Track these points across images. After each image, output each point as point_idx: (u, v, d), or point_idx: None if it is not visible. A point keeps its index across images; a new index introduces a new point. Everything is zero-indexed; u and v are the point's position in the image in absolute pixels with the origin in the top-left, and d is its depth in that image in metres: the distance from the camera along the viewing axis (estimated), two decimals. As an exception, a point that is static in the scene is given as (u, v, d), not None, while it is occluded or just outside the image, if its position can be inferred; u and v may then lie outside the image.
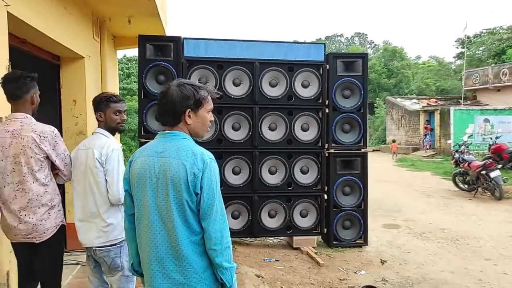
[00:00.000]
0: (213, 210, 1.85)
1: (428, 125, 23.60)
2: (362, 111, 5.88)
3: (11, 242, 2.82)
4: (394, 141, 23.56)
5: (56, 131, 2.83)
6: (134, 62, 26.56)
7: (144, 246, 1.93)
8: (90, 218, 2.80)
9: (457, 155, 11.02)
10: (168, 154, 1.88)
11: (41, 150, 2.69)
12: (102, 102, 2.93)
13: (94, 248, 2.81)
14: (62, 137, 2.92)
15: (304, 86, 5.72)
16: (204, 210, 1.84)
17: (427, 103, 26.58)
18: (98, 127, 2.93)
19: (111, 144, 2.83)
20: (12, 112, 2.75)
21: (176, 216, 1.84)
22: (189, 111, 1.94)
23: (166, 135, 1.95)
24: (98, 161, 2.76)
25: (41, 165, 2.72)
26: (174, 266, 1.87)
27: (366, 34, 64.53)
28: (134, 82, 24.08)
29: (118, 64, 25.89)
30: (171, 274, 1.87)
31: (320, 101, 5.75)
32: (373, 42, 59.74)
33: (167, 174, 1.85)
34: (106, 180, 2.76)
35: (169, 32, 6.46)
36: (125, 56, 29.09)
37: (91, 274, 2.99)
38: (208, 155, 1.90)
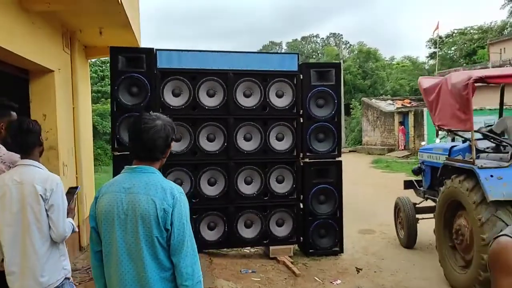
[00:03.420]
0: (184, 245, 1.83)
1: (401, 127, 24.03)
2: (336, 119, 5.93)
3: None
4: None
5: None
6: (108, 64, 26.15)
7: (113, 284, 1.90)
8: (26, 265, 2.47)
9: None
10: (136, 190, 1.85)
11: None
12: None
13: None
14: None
15: (278, 96, 5.74)
16: (175, 246, 1.82)
17: (402, 104, 27.03)
18: (30, 158, 2.58)
19: (54, 177, 2.57)
20: None
21: (146, 253, 1.81)
22: (171, 144, 1.99)
23: (134, 170, 1.92)
24: (42, 197, 2.46)
25: None
26: None
27: (341, 35, 65.15)
28: (109, 84, 23.72)
29: (92, 67, 25.34)
30: None
31: (295, 110, 5.78)
32: (348, 43, 60.32)
33: (136, 210, 1.82)
34: (48, 216, 2.50)
35: (150, 45, 6.37)
36: (99, 58, 28.60)
37: None
38: (178, 189, 1.88)
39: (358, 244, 6.60)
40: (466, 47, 36.12)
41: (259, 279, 5.06)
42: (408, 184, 6.96)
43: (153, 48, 5.33)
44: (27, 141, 2.56)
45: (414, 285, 4.97)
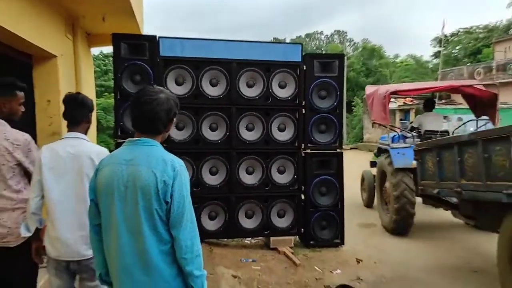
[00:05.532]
0: (184, 218, 1.83)
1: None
2: (338, 111, 5.91)
3: None
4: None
5: (29, 138, 2.84)
6: (111, 58, 26.08)
7: (112, 257, 1.90)
8: (80, 233, 2.56)
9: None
10: (137, 162, 1.84)
11: (13, 158, 2.72)
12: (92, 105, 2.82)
13: (81, 259, 2.59)
14: (36, 138, 2.90)
15: (281, 86, 5.73)
16: (174, 218, 1.82)
17: (403, 102, 26.92)
18: (77, 131, 2.66)
19: (105, 151, 2.69)
20: None
21: (145, 226, 1.81)
22: (174, 119, 1.99)
23: (135, 142, 1.91)
24: None
25: (13, 172, 2.74)
26: (143, 276, 1.84)
27: (345, 32, 65.02)
28: (112, 79, 23.68)
29: (95, 61, 25.24)
30: (140, 283, 1.84)
31: (297, 101, 5.76)
32: (353, 40, 60.22)
33: (136, 182, 1.81)
34: None
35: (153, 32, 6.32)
36: (101, 52, 28.58)
37: (61, 286, 2.66)
38: (179, 162, 1.88)
39: (359, 237, 6.60)
40: (471, 46, 35.98)
41: (259, 267, 5.06)
42: (372, 163, 9.42)
43: (155, 36, 5.32)
44: (77, 114, 2.67)
45: (414, 276, 4.97)
